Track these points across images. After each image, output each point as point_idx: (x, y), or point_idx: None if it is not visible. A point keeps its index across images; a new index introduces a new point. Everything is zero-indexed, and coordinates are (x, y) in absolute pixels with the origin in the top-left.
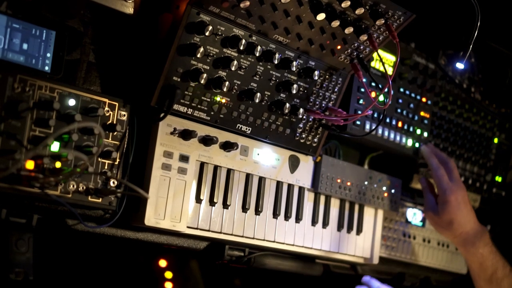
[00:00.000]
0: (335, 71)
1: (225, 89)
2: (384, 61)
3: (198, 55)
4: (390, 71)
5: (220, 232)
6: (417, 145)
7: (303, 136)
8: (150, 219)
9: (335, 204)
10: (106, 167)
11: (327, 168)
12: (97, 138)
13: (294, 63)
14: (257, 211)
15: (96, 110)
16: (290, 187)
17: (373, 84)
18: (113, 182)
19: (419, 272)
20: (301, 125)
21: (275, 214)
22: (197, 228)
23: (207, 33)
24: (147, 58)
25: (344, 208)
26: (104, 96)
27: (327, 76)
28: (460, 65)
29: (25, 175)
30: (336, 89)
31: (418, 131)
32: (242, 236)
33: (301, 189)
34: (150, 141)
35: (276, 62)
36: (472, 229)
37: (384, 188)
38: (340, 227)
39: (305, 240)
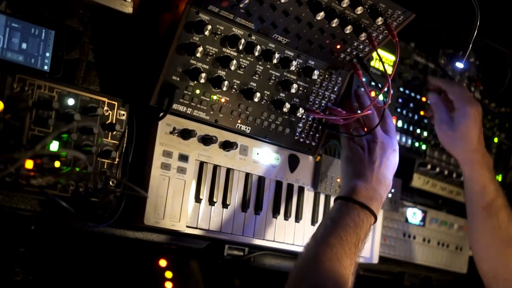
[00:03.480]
0: (334, 71)
1: (224, 89)
2: (384, 60)
3: (198, 55)
4: (389, 70)
5: (220, 232)
6: (416, 144)
7: (303, 135)
8: (149, 219)
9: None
10: (105, 167)
11: (327, 167)
12: (96, 137)
13: (294, 62)
14: (257, 211)
15: (95, 109)
16: (290, 186)
17: (372, 83)
18: (112, 182)
19: (419, 271)
20: (300, 125)
21: (275, 214)
22: (196, 228)
23: (206, 33)
24: (146, 58)
25: None
26: (103, 95)
27: (326, 76)
28: (459, 65)
29: (24, 175)
30: (335, 89)
31: (418, 131)
32: (242, 236)
33: (300, 189)
34: (150, 141)
35: (275, 61)
36: (482, 149)
37: None
38: None
39: (305, 239)
